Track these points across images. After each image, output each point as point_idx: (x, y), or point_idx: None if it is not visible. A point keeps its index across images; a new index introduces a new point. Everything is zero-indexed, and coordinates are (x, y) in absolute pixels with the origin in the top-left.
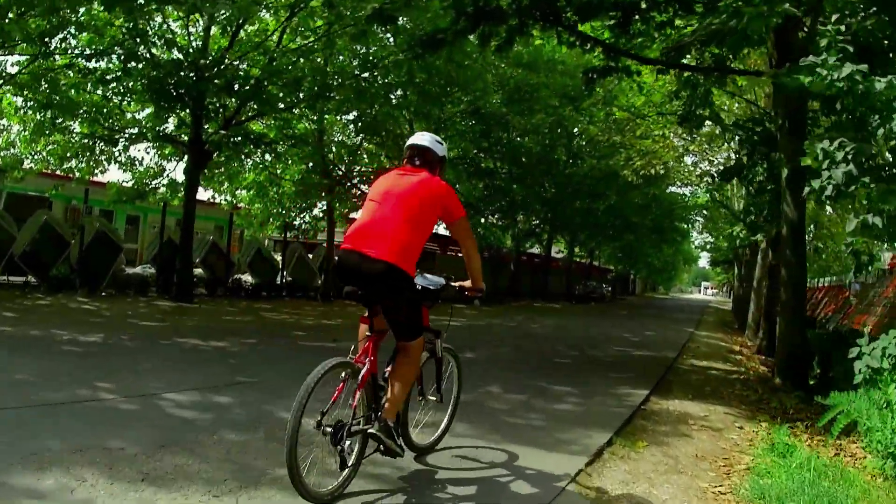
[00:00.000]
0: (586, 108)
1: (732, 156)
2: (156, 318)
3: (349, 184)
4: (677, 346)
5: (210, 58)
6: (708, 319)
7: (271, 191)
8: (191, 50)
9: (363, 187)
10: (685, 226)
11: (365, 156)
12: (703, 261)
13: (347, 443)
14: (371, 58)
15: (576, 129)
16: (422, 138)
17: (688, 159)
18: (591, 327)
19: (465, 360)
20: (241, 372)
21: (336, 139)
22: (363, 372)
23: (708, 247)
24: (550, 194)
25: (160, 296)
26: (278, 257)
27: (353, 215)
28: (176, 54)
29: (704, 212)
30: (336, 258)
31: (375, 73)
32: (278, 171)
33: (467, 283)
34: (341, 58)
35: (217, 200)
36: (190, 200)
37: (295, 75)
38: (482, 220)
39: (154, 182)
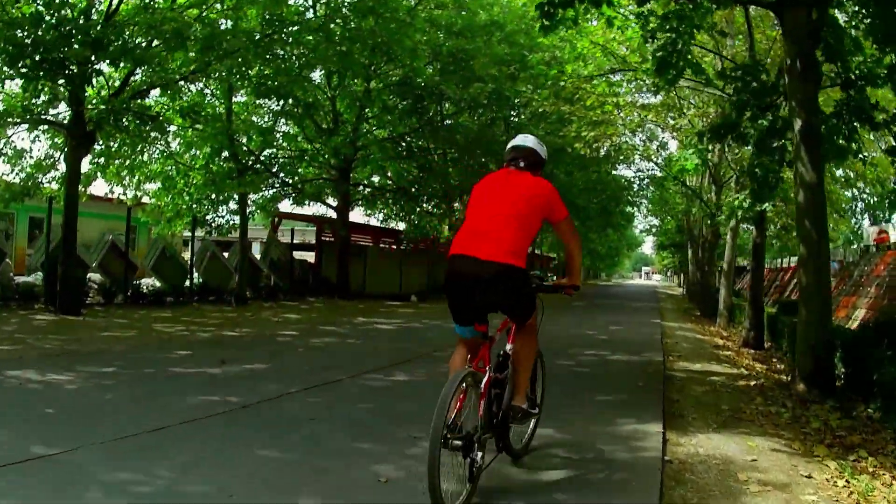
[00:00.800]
0: (529, 76)
1: (700, 123)
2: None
3: (264, 170)
4: (655, 344)
5: (75, 9)
6: (666, 307)
7: (180, 182)
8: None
9: (283, 176)
10: (632, 209)
11: (281, 137)
12: (647, 246)
13: (479, 454)
14: (280, 13)
15: (517, 100)
16: (525, 140)
17: (638, 139)
18: (547, 324)
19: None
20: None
21: (247, 119)
22: (485, 380)
23: (653, 230)
24: None
25: (46, 307)
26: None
27: (285, 208)
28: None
29: (651, 193)
30: (448, 263)
31: (285, 34)
32: (188, 160)
33: (564, 280)
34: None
35: (117, 195)
36: (71, 193)
37: (177, 27)
38: (417, 209)
39: (44, 177)
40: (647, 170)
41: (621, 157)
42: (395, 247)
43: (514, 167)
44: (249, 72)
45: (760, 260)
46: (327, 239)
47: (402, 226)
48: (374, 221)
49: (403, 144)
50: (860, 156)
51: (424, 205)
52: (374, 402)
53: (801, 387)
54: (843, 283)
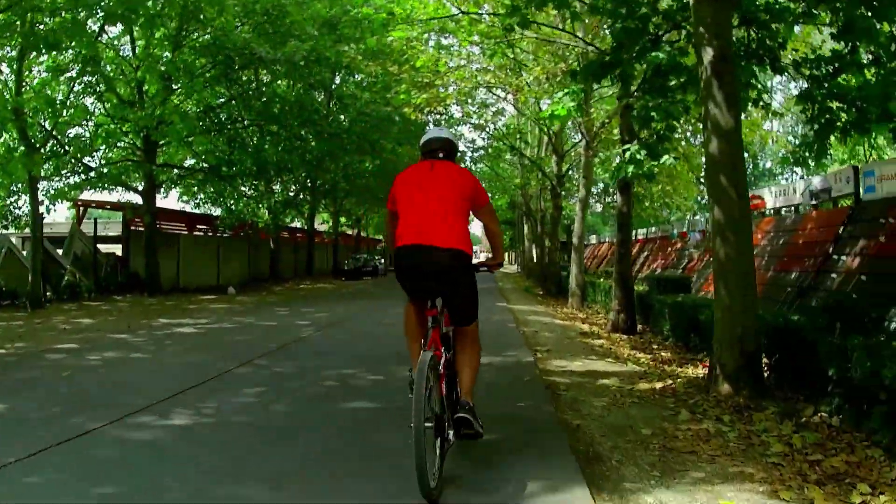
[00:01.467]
0: (353, 36)
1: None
2: None
3: (61, 151)
4: (513, 335)
5: None
6: (505, 286)
7: None
8: None
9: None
10: None
11: (76, 112)
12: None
13: (450, 432)
14: None
15: (339, 62)
16: (440, 132)
17: (472, 108)
18: (375, 312)
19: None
20: None
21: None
22: (443, 362)
23: None
24: (311, 154)
25: None
26: None
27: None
28: None
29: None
30: (398, 255)
31: None
32: None
33: (490, 259)
34: None
35: None
36: None
37: None
38: (227, 188)
39: None
40: (484, 138)
41: (454, 126)
42: (211, 234)
43: (434, 158)
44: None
45: (627, 232)
46: (137, 229)
47: (218, 211)
48: (189, 209)
49: (212, 115)
50: (761, 104)
51: (242, 187)
52: (127, 476)
53: (725, 388)
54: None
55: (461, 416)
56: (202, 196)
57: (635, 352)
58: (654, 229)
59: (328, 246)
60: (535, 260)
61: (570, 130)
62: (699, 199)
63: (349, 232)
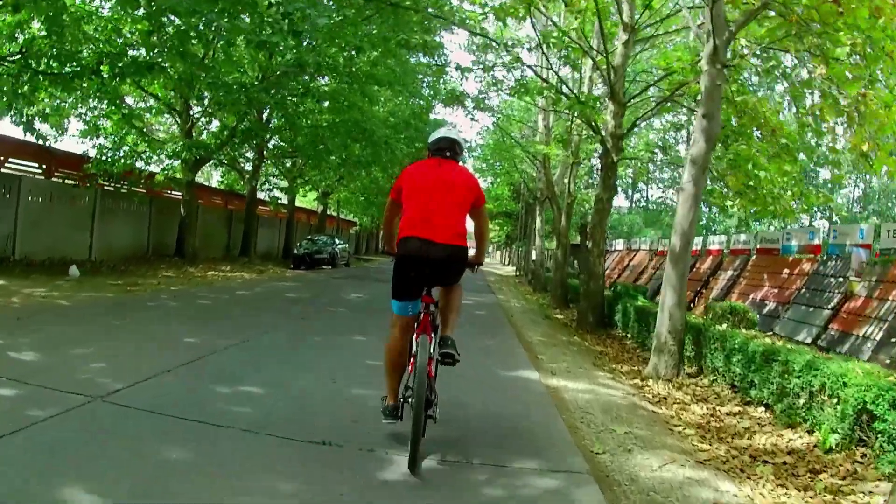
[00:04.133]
0: None
1: None
2: None
3: None
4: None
5: None
6: (511, 304)
7: None
8: None
9: None
10: None
11: None
12: None
13: (435, 409)
14: None
15: None
16: (450, 133)
17: None
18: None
19: None
20: None
21: None
22: (433, 346)
23: None
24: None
25: None
26: None
27: None
28: None
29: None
30: (402, 246)
31: None
32: None
33: (472, 257)
34: None
35: None
36: None
37: None
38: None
39: None
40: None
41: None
42: (77, 183)
43: (441, 157)
44: None
45: None
46: None
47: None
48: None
49: None
50: None
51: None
52: None
53: None
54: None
55: (447, 351)
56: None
57: None
58: (743, 237)
59: (277, 222)
60: (544, 264)
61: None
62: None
63: (310, 208)
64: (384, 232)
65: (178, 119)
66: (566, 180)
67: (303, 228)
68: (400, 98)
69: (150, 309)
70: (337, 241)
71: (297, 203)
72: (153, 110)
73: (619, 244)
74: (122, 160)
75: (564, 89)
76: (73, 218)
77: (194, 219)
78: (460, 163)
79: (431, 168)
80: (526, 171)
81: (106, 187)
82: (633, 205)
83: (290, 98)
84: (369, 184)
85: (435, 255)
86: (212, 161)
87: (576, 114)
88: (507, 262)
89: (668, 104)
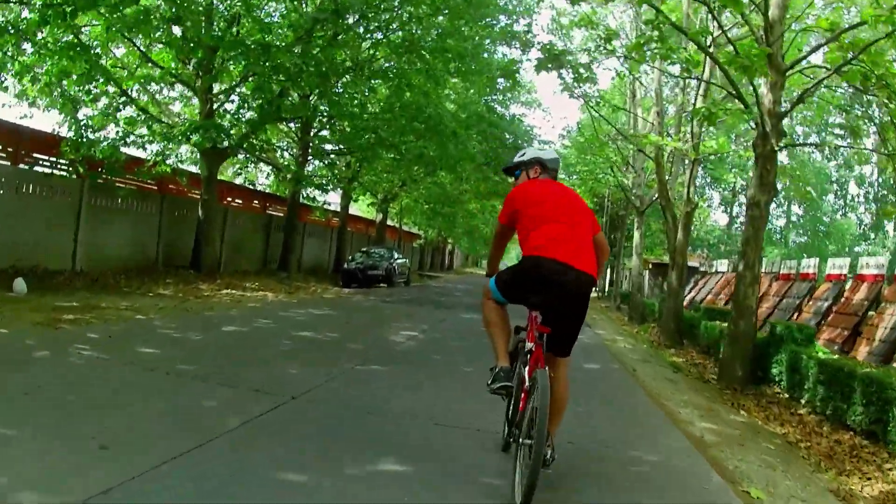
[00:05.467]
0: None
1: None
2: None
3: None
4: None
5: None
6: (618, 346)
7: None
8: None
9: None
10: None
11: None
12: None
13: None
14: None
15: None
16: (553, 153)
17: None
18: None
19: None
20: None
21: None
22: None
23: None
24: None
25: None
26: None
27: None
28: None
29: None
30: (532, 261)
31: None
32: None
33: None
34: None
35: None
36: None
37: None
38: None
39: None
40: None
41: None
42: (65, 172)
43: (549, 177)
44: None
45: None
46: None
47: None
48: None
49: None
50: None
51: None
52: None
53: None
54: None
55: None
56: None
57: None
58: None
59: (330, 231)
60: (642, 288)
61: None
62: None
63: (368, 216)
64: (491, 258)
65: (193, 92)
66: (680, 181)
67: (359, 240)
68: (472, 90)
69: (29, 366)
70: (395, 254)
71: (355, 211)
72: (159, 80)
73: (723, 264)
74: (111, 142)
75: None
76: (51, 216)
77: (218, 223)
78: None
79: (549, 187)
80: (614, 177)
81: (101, 180)
82: (733, 218)
83: (323, 60)
84: (435, 188)
85: (580, 284)
86: (243, 155)
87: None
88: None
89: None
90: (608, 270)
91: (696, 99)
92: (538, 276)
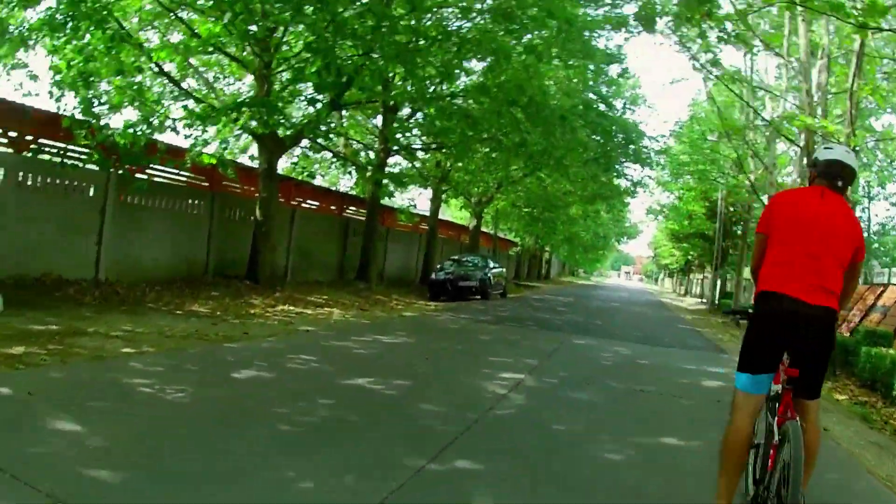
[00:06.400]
0: None
1: None
2: None
3: None
4: None
5: None
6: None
7: None
8: None
9: None
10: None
11: None
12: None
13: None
14: None
15: None
16: (849, 155)
17: None
18: None
19: None
20: None
21: None
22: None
23: (665, 211)
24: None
25: None
26: None
27: None
28: None
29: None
30: (762, 301)
31: None
32: None
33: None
34: None
35: None
36: None
37: None
38: None
39: None
40: None
41: None
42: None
43: (829, 188)
44: None
45: None
46: None
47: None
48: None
49: None
50: None
51: None
52: None
53: None
54: None
55: None
56: None
57: None
58: None
59: (422, 238)
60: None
61: None
62: None
63: (460, 222)
64: (753, 272)
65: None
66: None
67: (450, 247)
68: (575, 79)
69: None
70: (491, 262)
71: (445, 217)
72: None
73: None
74: (140, 127)
75: None
76: (68, 215)
77: (282, 226)
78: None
79: (814, 200)
80: (734, 178)
81: (123, 172)
82: None
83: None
84: (536, 187)
85: (818, 320)
86: (308, 146)
87: None
88: (682, 292)
89: None
90: (720, 282)
91: (853, 76)
92: (771, 315)
